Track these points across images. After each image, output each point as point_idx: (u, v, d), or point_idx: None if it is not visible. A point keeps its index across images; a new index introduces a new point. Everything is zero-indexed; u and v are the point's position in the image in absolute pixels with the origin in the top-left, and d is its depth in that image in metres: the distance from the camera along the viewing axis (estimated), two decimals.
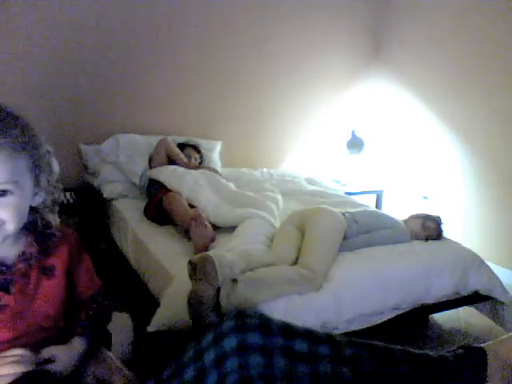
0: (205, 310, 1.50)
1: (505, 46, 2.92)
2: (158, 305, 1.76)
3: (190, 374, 0.91)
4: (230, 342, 0.94)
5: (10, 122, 0.88)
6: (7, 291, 0.91)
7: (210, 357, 0.92)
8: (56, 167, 0.95)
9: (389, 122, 3.92)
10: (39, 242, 0.96)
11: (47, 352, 0.93)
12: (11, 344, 0.91)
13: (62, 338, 1.00)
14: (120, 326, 1.30)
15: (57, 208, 0.98)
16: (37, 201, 0.92)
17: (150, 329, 1.67)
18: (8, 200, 0.83)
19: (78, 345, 1.00)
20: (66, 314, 1.04)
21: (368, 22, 3.86)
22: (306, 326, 1.05)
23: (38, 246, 0.95)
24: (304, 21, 3.59)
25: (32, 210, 0.94)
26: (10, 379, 0.82)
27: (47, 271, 0.97)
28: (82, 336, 1.02)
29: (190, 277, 1.65)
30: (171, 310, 1.66)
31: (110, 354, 1.10)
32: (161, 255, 2.02)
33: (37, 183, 0.90)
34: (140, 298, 2.14)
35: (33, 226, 0.96)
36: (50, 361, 0.92)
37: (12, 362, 0.84)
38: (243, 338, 0.95)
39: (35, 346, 0.94)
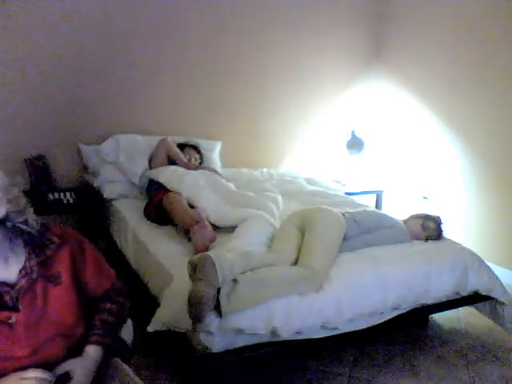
0: (205, 309, 1.50)
1: (504, 45, 2.92)
2: (158, 305, 1.76)
3: None
4: None
5: None
6: (16, 309, 0.91)
7: None
8: None
9: (389, 122, 3.92)
10: (37, 253, 0.95)
11: (62, 368, 0.93)
12: (31, 359, 0.91)
13: (83, 345, 0.99)
14: None
15: (29, 210, 0.95)
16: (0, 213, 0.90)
17: (149, 329, 1.67)
18: None
19: (93, 354, 0.98)
20: (86, 318, 1.03)
21: (368, 22, 3.86)
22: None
23: (37, 257, 0.95)
24: (304, 21, 3.59)
25: (4, 221, 0.91)
26: None
27: (53, 279, 0.97)
28: (97, 344, 1.00)
29: (190, 277, 1.65)
30: (171, 309, 1.66)
31: (124, 366, 1.08)
32: (161, 255, 2.02)
33: None
34: (140, 298, 2.15)
35: (29, 238, 0.95)
36: (67, 377, 0.92)
37: None
38: None
39: (57, 358, 0.94)
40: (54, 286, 0.96)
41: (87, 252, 1.05)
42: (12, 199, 0.91)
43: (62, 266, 0.98)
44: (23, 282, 0.92)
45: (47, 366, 0.93)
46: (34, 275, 0.93)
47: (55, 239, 0.99)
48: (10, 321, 0.90)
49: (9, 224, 0.92)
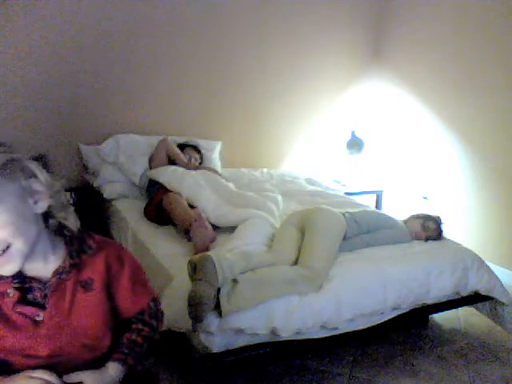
0: (205, 310, 1.50)
1: (504, 45, 2.92)
2: None
3: None
4: None
5: None
6: (43, 307, 0.92)
7: None
8: (36, 168, 0.91)
9: (388, 122, 3.93)
10: (72, 255, 0.95)
11: (75, 377, 0.91)
12: (49, 360, 0.91)
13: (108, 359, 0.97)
14: None
15: (70, 208, 0.96)
16: (42, 207, 0.90)
17: None
18: None
19: (112, 372, 0.96)
20: (114, 331, 1.00)
21: (368, 22, 3.86)
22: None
23: (71, 259, 0.94)
24: (304, 21, 3.59)
25: (47, 217, 0.93)
26: None
27: (85, 285, 0.95)
28: (119, 362, 0.97)
29: (190, 277, 1.65)
30: (171, 310, 1.66)
31: None
32: (161, 255, 2.02)
33: (27, 191, 0.88)
34: None
35: (69, 240, 0.95)
36: None
37: None
38: None
39: (75, 367, 0.92)
40: (83, 292, 0.95)
41: (125, 265, 1.01)
42: (54, 194, 0.92)
43: (95, 273, 0.97)
44: (53, 280, 0.92)
45: (65, 372, 0.92)
46: (64, 276, 0.93)
47: (93, 245, 0.98)
48: (37, 318, 0.91)
49: (52, 221, 0.93)
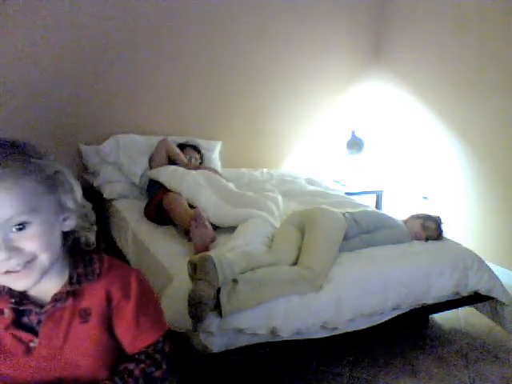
0: (205, 310, 1.50)
1: (504, 46, 2.92)
2: None
3: None
4: None
5: (6, 150, 0.78)
6: (36, 333, 0.85)
7: None
8: (76, 185, 0.87)
9: (389, 123, 3.93)
10: (72, 281, 0.87)
11: None
12: None
13: None
14: None
15: (94, 227, 0.93)
16: (69, 225, 0.86)
17: None
18: (30, 231, 0.78)
19: None
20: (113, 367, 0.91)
21: (368, 22, 3.87)
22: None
23: (70, 285, 0.87)
24: (304, 21, 3.59)
25: (69, 234, 0.88)
26: None
27: (83, 315, 0.87)
28: None
29: (190, 277, 1.65)
30: (171, 309, 1.66)
31: None
32: (161, 255, 2.02)
33: (60, 206, 0.84)
34: None
35: (75, 262, 0.89)
36: None
37: None
38: None
39: None
40: (80, 322, 0.87)
41: (132, 296, 0.91)
42: (83, 215, 0.89)
43: (93, 303, 0.88)
44: (49, 306, 0.85)
45: None
46: (59, 304, 0.86)
47: (97, 271, 0.90)
48: (31, 344, 0.85)
49: (71, 236, 0.88)
